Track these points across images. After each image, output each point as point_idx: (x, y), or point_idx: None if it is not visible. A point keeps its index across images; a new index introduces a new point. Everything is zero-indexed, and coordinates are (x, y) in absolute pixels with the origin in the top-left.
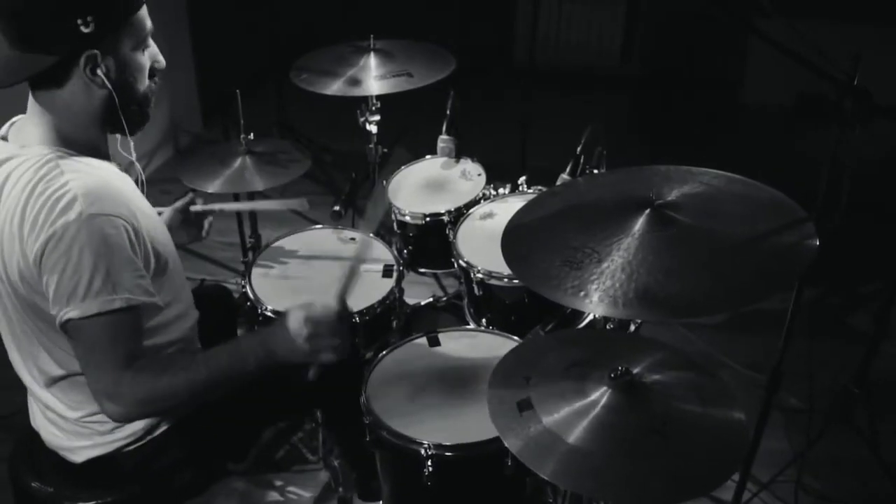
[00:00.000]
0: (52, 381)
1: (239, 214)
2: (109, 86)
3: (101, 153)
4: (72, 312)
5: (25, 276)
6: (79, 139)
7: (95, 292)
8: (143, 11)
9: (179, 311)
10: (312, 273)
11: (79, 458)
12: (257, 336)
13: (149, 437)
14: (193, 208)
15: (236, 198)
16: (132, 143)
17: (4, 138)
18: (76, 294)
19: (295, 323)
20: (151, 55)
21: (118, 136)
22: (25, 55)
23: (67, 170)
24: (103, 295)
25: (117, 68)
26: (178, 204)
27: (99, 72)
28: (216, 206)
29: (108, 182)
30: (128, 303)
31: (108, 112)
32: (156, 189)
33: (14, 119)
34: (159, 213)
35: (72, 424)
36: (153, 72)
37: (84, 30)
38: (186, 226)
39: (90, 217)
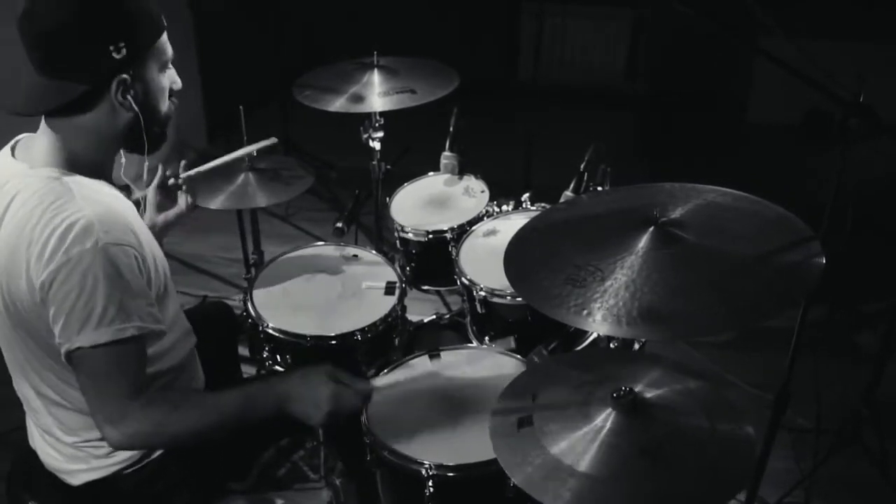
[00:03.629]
0: (48, 405)
1: (242, 231)
2: (137, 109)
3: (106, 174)
4: (82, 340)
5: (25, 299)
6: (88, 160)
7: (109, 320)
8: (165, 36)
9: (178, 336)
10: (314, 290)
11: (76, 480)
12: (272, 388)
13: (146, 461)
14: (171, 182)
15: (239, 213)
16: (146, 164)
17: (13, 154)
18: (89, 322)
19: (320, 395)
20: (170, 77)
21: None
22: (54, 82)
23: (78, 195)
24: (116, 323)
25: (144, 92)
26: (155, 181)
27: (129, 96)
28: (191, 172)
29: (116, 210)
30: (139, 331)
31: (131, 134)
32: None
33: (20, 136)
34: (139, 201)
35: (69, 448)
36: (171, 92)
37: (116, 56)
38: (168, 201)
39: (106, 246)
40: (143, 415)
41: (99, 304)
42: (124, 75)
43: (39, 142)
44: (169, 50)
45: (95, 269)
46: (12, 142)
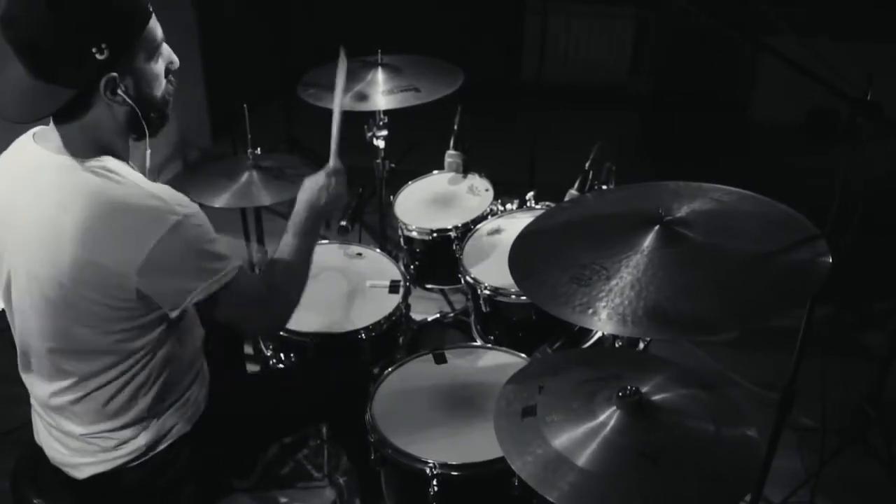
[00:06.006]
0: (64, 395)
1: (246, 230)
2: (131, 102)
3: (124, 160)
4: (214, 287)
5: (89, 281)
6: (103, 144)
7: (224, 260)
8: (153, 21)
9: (191, 325)
10: (319, 288)
11: (82, 474)
12: (306, 214)
13: (152, 454)
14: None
15: (243, 212)
16: (148, 151)
17: (33, 139)
18: (200, 281)
19: (322, 180)
20: (165, 58)
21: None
22: (47, 86)
23: (135, 179)
24: (231, 260)
25: (135, 83)
26: None
27: (119, 91)
28: None
29: (164, 185)
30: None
31: (131, 123)
32: None
33: (35, 129)
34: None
35: (76, 441)
36: (168, 72)
37: (99, 57)
38: None
39: (186, 217)
40: (279, 292)
41: (206, 263)
42: (112, 74)
43: (55, 132)
44: (158, 35)
45: (188, 239)
46: (30, 131)
